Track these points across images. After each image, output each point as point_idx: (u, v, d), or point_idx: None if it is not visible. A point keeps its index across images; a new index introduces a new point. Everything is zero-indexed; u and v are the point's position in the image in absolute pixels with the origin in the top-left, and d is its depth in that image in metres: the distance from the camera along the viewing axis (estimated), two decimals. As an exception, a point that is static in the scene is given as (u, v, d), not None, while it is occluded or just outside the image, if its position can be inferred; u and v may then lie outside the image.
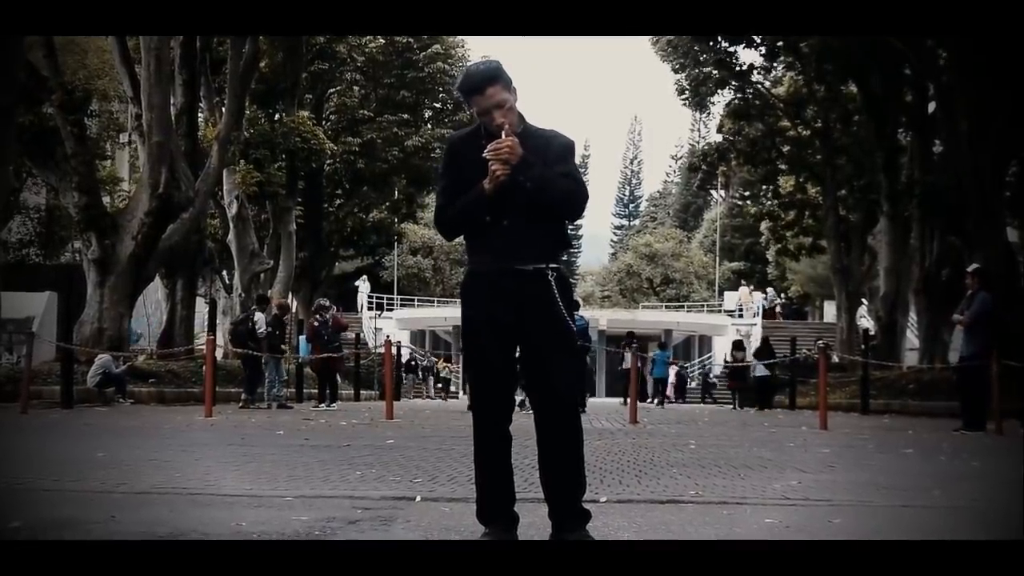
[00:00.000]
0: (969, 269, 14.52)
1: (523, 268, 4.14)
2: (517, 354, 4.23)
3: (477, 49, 68.67)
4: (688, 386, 43.60)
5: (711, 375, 44.77)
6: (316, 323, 20.45)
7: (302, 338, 23.48)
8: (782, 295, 59.81)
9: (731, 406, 29.55)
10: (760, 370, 26.69)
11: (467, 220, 4.23)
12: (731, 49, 34.38)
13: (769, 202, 41.51)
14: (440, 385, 42.90)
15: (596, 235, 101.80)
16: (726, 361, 35.02)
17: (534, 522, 4.47)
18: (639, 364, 29.27)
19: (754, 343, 36.37)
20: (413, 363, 42.44)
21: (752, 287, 59.01)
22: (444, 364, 44.40)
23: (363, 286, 54.70)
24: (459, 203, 4.19)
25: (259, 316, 19.73)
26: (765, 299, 56.13)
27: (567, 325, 4.18)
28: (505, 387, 4.29)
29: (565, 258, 4.22)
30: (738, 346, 30.45)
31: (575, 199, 4.19)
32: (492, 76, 4.14)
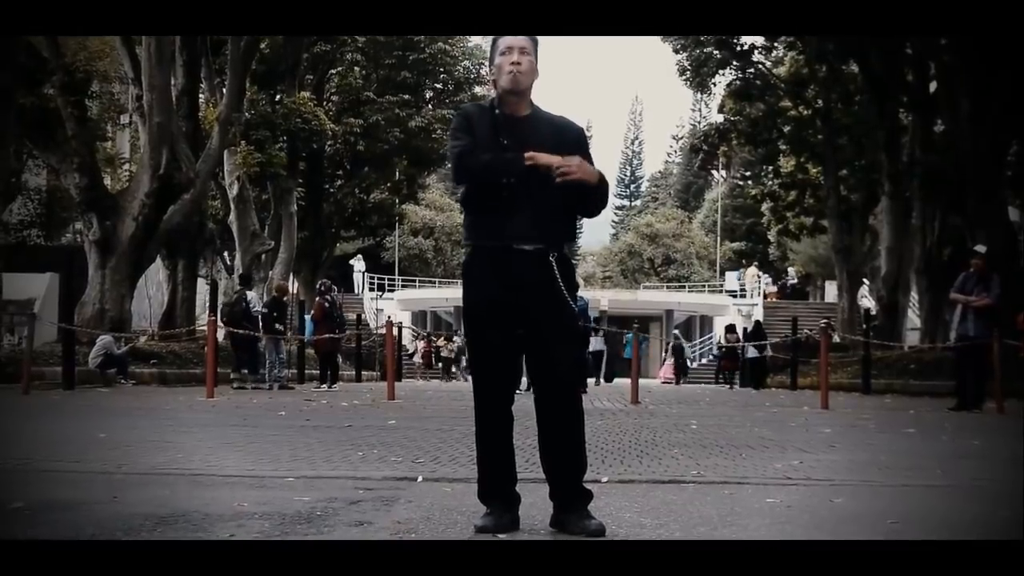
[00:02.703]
0: (980, 250, 14.33)
1: (524, 248, 4.14)
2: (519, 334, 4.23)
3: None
4: (689, 367, 43.78)
5: (708, 355, 45.14)
6: (327, 304, 20.43)
7: (307, 318, 23.43)
8: (789, 275, 59.81)
9: (727, 386, 29.70)
10: (751, 352, 27.11)
11: (492, 172, 4.15)
12: (732, 29, 34.26)
13: (770, 182, 41.38)
14: (440, 365, 42.79)
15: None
16: (719, 343, 35.70)
17: (535, 502, 4.48)
18: (603, 346, 29.82)
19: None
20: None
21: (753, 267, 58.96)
22: (444, 342, 44.28)
23: (358, 265, 54.55)
24: (494, 155, 4.14)
25: (251, 295, 19.72)
26: (785, 277, 56.29)
27: (568, 306, 4.18)
28: (506, 367, 4.29)
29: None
30: (731, 329, 31.79)
31: (603, 204, 4.33)
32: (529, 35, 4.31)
